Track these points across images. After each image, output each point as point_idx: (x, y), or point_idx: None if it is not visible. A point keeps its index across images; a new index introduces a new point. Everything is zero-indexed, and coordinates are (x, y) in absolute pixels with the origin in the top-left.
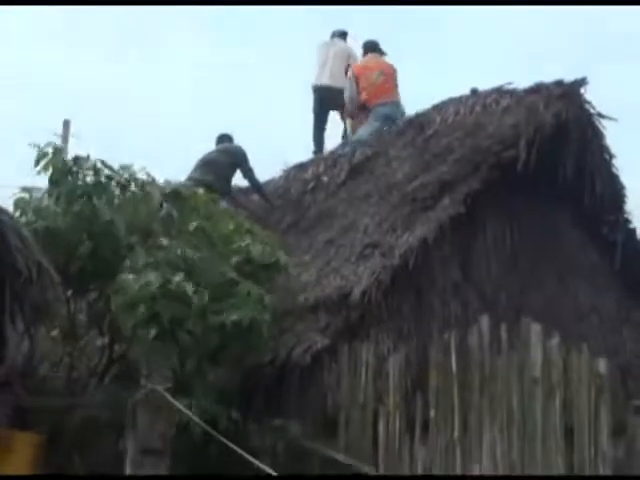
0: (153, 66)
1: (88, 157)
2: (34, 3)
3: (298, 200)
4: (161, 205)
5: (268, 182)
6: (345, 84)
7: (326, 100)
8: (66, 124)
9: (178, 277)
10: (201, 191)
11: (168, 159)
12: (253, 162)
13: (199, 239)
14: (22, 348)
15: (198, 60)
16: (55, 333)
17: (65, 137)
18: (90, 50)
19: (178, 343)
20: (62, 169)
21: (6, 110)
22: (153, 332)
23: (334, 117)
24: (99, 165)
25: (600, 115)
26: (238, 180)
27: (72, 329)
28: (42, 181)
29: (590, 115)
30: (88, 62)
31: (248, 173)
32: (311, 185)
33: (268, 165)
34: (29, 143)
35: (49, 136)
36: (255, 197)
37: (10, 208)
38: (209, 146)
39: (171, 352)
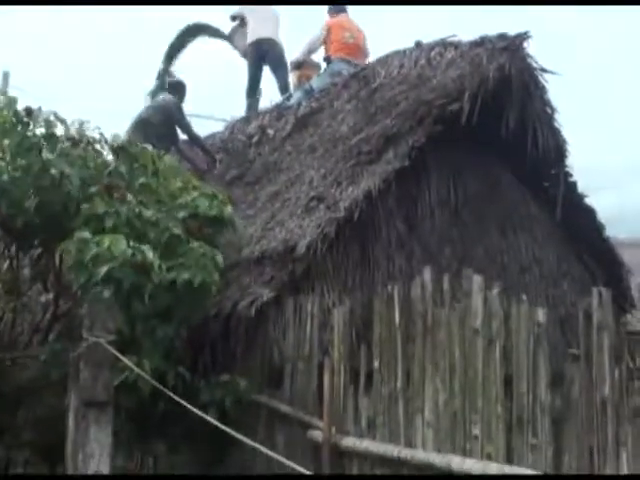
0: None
1: (40, 109)
2: (34, 3)
3: (243, 153)
4: (111, 161)
5: (212, 135)
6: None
7: (262, 52)
8: (5, 76)
9: (145, 247)
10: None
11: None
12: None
13: (146, 196)
14: None
15: None
16: None
17: (4, 89)
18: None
19: (131, 306)
20: (13, 119)
21: None
22: (108, 293)
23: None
24: (52, 118)
25: (543, 69)
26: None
27: (15, 284)
28: None
29: (533, 69)
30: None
31: (184, 127)
32: (256, 138)
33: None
34: None
35: None
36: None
37: None
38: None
39: (116, 307)
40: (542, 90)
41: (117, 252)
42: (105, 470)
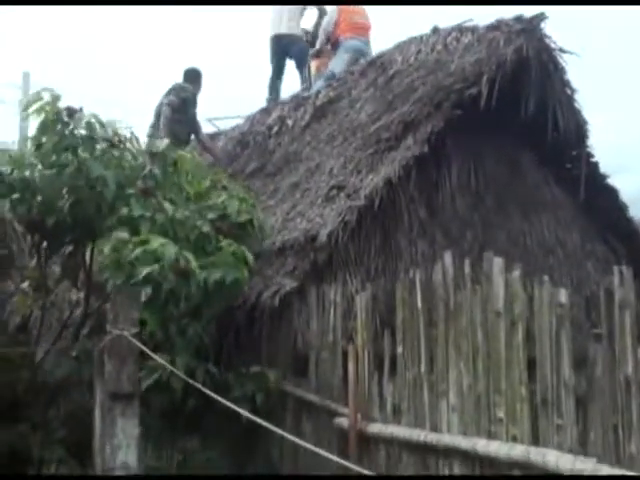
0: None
1: (81, 109)
2: (34, 3)
3: (263, 144)
4: (145, 164)
5: (233, 128)
6: (301, 33)
7: (283, 48)
8: (26, 76)
9: (187, 253)
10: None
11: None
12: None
13: (176, 195)
14: None
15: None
16: (25, 285)
17: (25, 89)
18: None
19: (166, 308)
20: (55, 117)
21: None
22: (146, 295)
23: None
24: (92, 120)
25: (561, 50)
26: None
27: (43, 282)
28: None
29: (551, 50)
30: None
31: (190, 120)
32: (275, 129)
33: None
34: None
35: (9, 88)
36: (220, 142)
37: None
38: None
39: (140, 299)
40: (561, 71)
41: (166, 255)
42: (133, 462)
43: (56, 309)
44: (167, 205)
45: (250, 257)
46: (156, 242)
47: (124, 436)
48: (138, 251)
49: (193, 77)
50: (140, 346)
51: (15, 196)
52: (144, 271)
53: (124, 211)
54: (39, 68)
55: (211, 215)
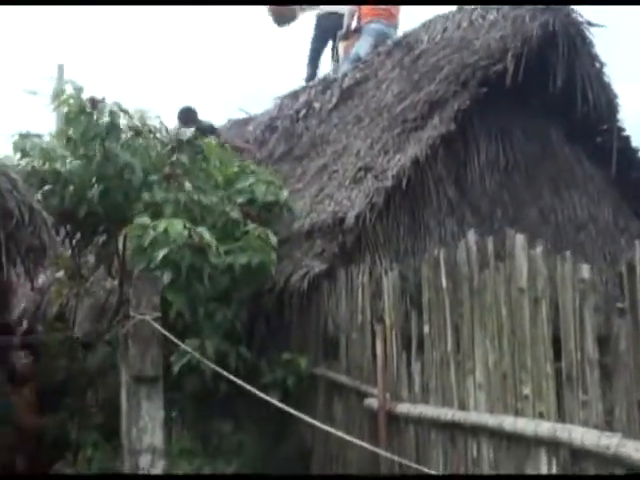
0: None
1: (104, 99)
2: (34, 3)
3: (291, 128)
4: (172, 151)
5: (263, 113)
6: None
7: (327, 25)
8: (60, 68)
9: (201, 228)
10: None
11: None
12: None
13: (204, 182)
14: (27, 291)
15: None
16: (60, 274)
17: (59, 81)
18: None
19: (190, 288)
20: (79, 108)
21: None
22: (167, 276)
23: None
24: (115, 108)
25: (589, 23)
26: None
27: (78, 271)
28: (37, 127)
29: (578, 24)
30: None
31: None
32: (303, 112)
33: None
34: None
35: (44, 80)
36: (250, 128)
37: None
38: None
39: (161, 284)
40: (589, 45)
41: (173, 234)
42: (159, 444)
43: (92, 297)
44: (188, 185)
45: (274, 239)
46: (163, 223)
47: (149, 419)
48: (152, 234)
49: (187, 117)
50: (161, 330)
51: (47, 188)
52: (161, 254)
53: (146, 196)
54: (74, 61)
55: (240, 199)
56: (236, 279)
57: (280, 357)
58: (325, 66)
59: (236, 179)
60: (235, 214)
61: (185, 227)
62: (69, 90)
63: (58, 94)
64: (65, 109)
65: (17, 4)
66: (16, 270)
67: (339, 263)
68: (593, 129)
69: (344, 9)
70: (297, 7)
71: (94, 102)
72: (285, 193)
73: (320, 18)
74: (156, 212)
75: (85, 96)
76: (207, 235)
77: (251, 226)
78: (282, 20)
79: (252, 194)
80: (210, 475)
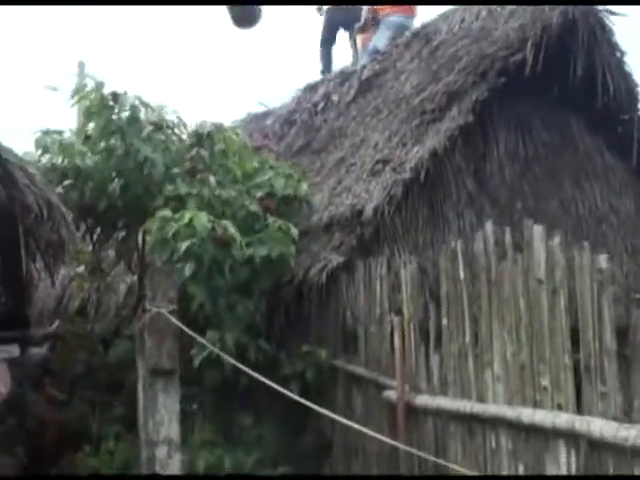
0: None
1: (125, 93)
2: (34, 3)
3: (309, 121)
4: (192, 146)
5: (281, 107)
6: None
7: (335, 18)
8: (81, 65)
9: (225, 221)
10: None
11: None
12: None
13: (224, 176)
14: (48, 286)
15: None
16: (81, 269)
17: (80, 77)
18: None
19: (212, 281)
20: (100, 103)
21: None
22: (190, 269)
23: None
24: (136, 102)
25: (609, 12)
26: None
27: (98, 265)
28: (58, 124)
29: (598, 12)
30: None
31: None
32: (321, 105)
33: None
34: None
35: (65, 76)
36: (268, 121)
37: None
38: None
39: (176, 276)
40: (609, 33)
41: (198, 227)
42: (175, 437)
43: (112, 292)
44: (212, 179)
45: (295, 231)
46: (188, 214)
47: (166, 411)
48: (175, 226)
49: None
50: (177, 323)
51: (67, 183)
52: (184, 245)
53: (170, 188)
54: (95, 57)
55: (259, 193)
56: (256, 271)
57: (299, 349)
58: (341, 58)
59: (255, 174)
60: (254, 207)
61: (209, 220)
62: (90, 85)
63: (79, 89)
64: (86, 104)
65: (18, 4)
66: (36, 265)
67: (357, 256)
68: (614, 119)
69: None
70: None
71: (116, 96)
72: (304, 186)
73: (329, 10)
74: (178, 206)
75: (106, 91)
76: (231, 228)
77: (271, 219)
78: (242, 21)
79: (271, 188)
80: (212, 476)
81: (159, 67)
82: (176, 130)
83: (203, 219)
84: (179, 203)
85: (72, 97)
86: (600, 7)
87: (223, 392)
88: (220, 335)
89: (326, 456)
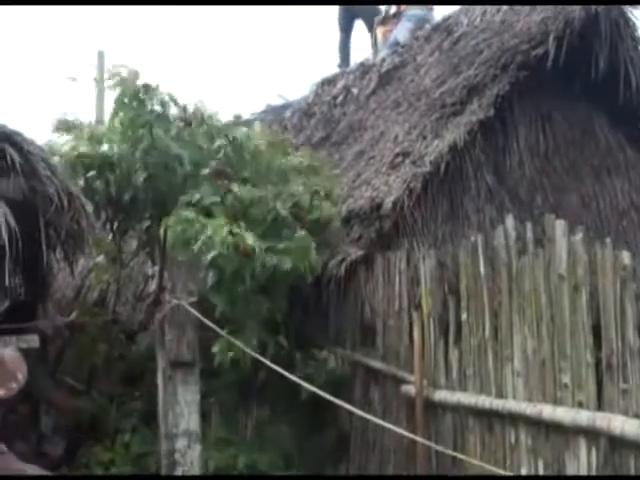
0: None
1: (157, 87)
2: (34, 3)
3: (328, 114)
4: (220, 147)
5: (300, 99)
6: None
7: (352, 8)
8: (101, 55)
9: (247, 233)
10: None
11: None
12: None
13: (251, 177)
14: (67, 276)
15: None
16: (101, 259)
17: (100, 69)
18: None
19: (233, 289)
20: (132, 93)
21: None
22: (212, 278)
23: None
24: (166, 98)
25: (633, 3)
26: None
27: (119, 256)
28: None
29: (622, 5)
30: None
31: None
32: (340, 98)
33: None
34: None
35: (84, 67)
36: (287, 113)
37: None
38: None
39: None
40: (632, 27)
41: (219, 239)
42: (195, 428)
43: (132, 282)
44: (235, 187)
45: (314, 254)
46: (211, 226)
47: (185, 403)
48: (203, 237)
49: None
50: (197, 315)
51: (91, 173)
52: (209, 256)
53: (196, 196)
54: (115, 49)
55: (288, 203)
56: (275, 278)
57: (317, 349)
58: (361, 51)
59: (286, 177)
60: (284, 212)
61: (230, 232)
62: (124, 73)
63: (109, 77)
64: (118, 92)
65: (17, 4)
66: (56, 255)
67: (376, 249)
68: (636, 114)
69: None
70: None
71: (147, 88)
72: (329, 207)
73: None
74: (202, 209)
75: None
76: (250, 240)
77: (300, 233)
78: None
79: (296, 205)
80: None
81: (178, 59)
82: (205, 127)
83: (223, 231)
84: (203, 209)
85: (106, 83)
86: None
87: (241, 387)
88: (241, 333)
89: (344, 451)
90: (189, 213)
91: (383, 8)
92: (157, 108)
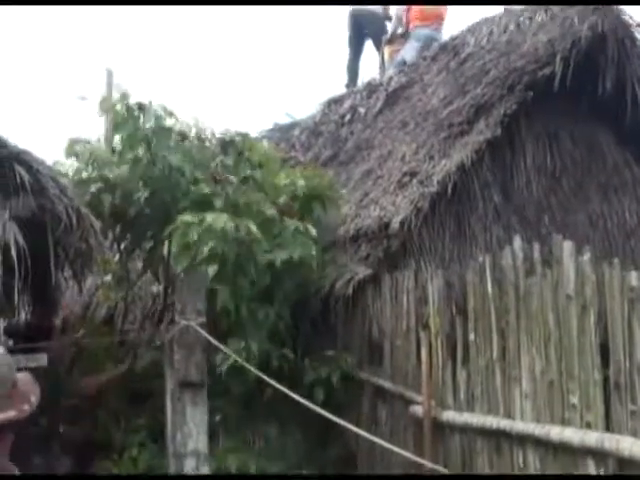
0: None
1: (151, 103)
2: (34, 3)
3: (336, 133)
4: (216, 155)
5: (307, 118)
6: (380, 10)
7: (361, 26)
8: (109, 73)
9: (248, 221)
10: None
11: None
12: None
13: (251, 186)
14: (74, 294)
15: None
16: (108, 278)
17: (109, 86)
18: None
19: (236, 283)
20: (126, 113)
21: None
22: (213, 269)
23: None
24: (160, 112)
25: (639, 25)
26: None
27: (126, 275)
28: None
29: (628, 25)
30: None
31: None
32: (348, 117)
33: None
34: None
35: (92, 85)
36: (295, 132)
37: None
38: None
39: (205, 290)
40: (639, 46)
41: (219, 226)
42: (203, 449)
43: (139, 301)
44: (233, 179)
45: (312, 230)
46: (210, 216)
47: (194, 424)
48: (199, 229)
49: None
50: (206, 335)
51: (95, 190)
52: (206, 248)
53: (194, 189)
54: (123, 66)
55: (282, 199)
56: (278, 276)
57: (324, 355)
58: (368, 70)
59: (282, 182)
60: (271, 211)
61: (231, 220)
62: (116, 96)
63: (105, 100)
64: (112, 115)
65: (17, 4)
66: (64, 274)
67: (384, 268)
68: None
69: (378, 8)
70: None
71: (141, 106)
72: (326, 181)
73: (353, 17)
74: (203, 207)
75: (132, 101)
76: (254, 228)
77: (289, 222)
78: None
79: (294, 192)
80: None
81: (187, 77)
82: (203, 137)
83: (223, 219)
84: (204, 205)
85: (99, 108)
86: (630, 21)
87: (247, 402)
88: (245, 344)
89: (350, 468)
90: (187, 217)
91: (390, 28)
92: (152, 124)
